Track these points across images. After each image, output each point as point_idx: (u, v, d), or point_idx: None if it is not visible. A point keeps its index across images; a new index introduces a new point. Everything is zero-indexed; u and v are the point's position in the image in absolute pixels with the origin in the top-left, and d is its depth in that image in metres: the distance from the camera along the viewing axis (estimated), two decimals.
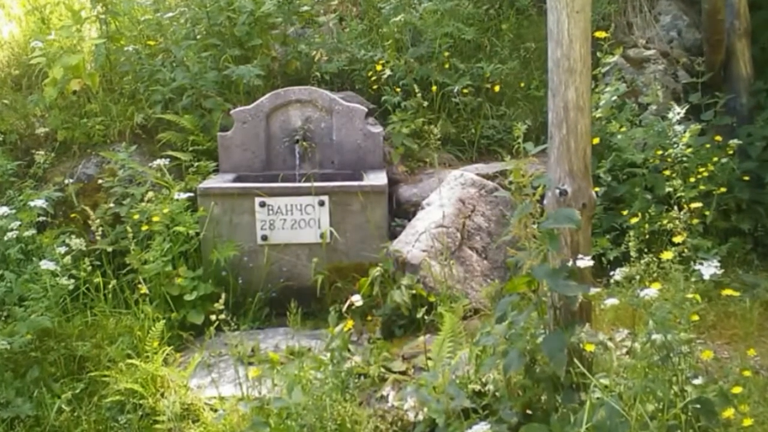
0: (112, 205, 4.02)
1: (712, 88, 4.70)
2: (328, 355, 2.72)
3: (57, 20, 5.23)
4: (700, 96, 4.61)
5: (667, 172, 3.96)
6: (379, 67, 4.88)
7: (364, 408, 2.74)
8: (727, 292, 2.40)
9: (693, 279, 2.15)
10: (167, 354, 3.18)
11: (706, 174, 3.91)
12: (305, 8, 5.21)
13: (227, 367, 3.22)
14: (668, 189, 3.86)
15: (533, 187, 2.36)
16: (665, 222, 3.51)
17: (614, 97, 4.22)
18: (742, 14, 4.79)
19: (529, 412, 2.30)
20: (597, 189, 3.72)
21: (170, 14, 5.06)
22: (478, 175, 4.15)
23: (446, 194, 3.96)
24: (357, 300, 2.99)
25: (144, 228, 3.68)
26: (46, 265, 3.20)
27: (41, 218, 3.85)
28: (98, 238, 3.66)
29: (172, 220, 3.71)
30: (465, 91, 4.84)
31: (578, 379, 2.17)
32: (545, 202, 2.42)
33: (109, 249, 3.76)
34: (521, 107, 5.01)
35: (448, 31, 4.96)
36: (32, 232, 3.63)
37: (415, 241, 3.73)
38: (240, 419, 2.71)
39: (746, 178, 4.15)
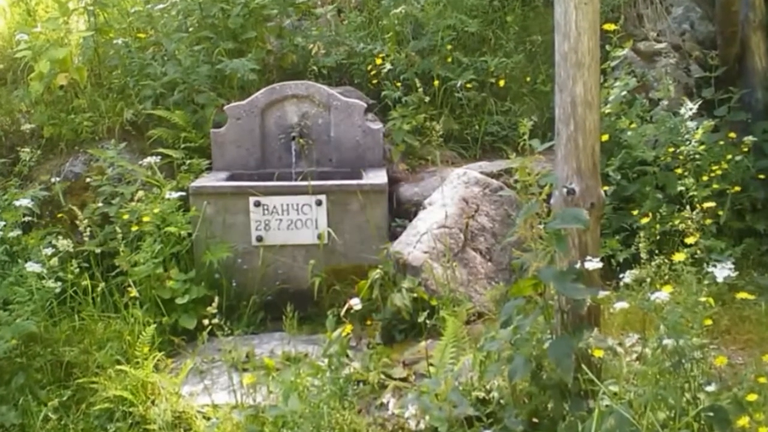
0: (100, 204, 3.99)
1: (726, 82, 4.68)
2: (326, 361, 2.67)
3: (43, 12, 5.22)
4: (713, 91, 4.59)
5: (679, 171, 3.95)
6: (378, 61, 4.87)
7: (363, 416, 2.72)
8: (742, 295, 2.39)
9: (706, 281, 2.14)
10: (158, 360, 3.15)
11: (719, 172, 3.91)
12: None
13: (220, 373, 3.17)
14: (680, 188, 3.86)
15: (539, 185, 2.35)
16: (677, 222, 3.49)
17: (624, 92, 4.22)
18: (757, 6, 4.78)
19: (535, 420, 2.31)
20: (606, 188, 3.72)
21: (161, 6, 5.02)
22: (482, 173, 4.13)
23: (449, 193, 3.93)
24: (356, 303, 2.95)
25: (134, 228, 3.66)
26: (31, 267, 3.18)
27: (27, 218, 3.81)
28: (86, 239, 3.63)
29: (163, 220, 3.68)
30: (468, 85, 4.82)
31: (586, 386, 2.17)
32: (552, 201, 2.41)
33: (98, 250, 3.74)
34: (527, 103, 5.00)
35: (451, 23, 4.95)
36: (17, 232, 3.61)
37: (416, 242, 3.70)
38: (234, 428, 2.67)
39: (761, 176, 4.15)
